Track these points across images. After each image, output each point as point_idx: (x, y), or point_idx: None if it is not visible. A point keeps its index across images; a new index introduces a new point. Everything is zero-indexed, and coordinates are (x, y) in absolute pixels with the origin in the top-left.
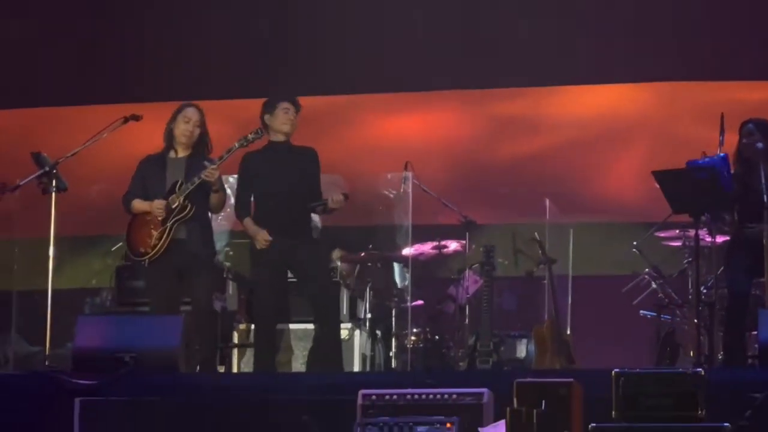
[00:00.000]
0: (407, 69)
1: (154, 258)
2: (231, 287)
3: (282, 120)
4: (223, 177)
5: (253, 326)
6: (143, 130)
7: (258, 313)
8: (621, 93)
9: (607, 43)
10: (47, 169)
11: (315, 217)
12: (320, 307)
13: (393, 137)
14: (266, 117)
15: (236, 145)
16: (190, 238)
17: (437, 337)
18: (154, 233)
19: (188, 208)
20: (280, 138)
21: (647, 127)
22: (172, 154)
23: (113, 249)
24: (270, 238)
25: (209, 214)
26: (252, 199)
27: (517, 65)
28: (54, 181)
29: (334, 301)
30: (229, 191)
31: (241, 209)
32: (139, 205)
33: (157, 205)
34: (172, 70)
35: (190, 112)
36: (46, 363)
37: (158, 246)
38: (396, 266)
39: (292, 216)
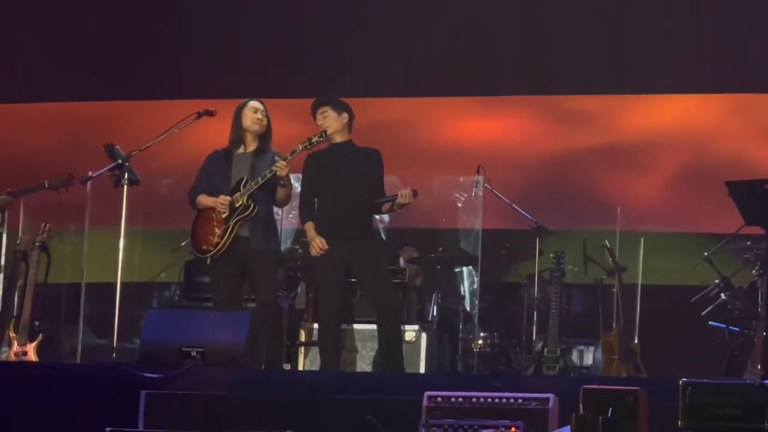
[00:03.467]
0: (481, 73)
1: (217, 255)
2: (300, 285)
3: (319, 122)
4: (291, 175)
5: (316, 325)
6: (217, 126)
7: (320, 314)
8: (695, 103)
9: (682, 52)
10: (120, 161)
11: (385, 217)
12: (379, 309)
13: (466, 141)
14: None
15: (299, 147)
16: (252, 236)
17: (504, 341)
18: (217, 230)
19: (251, 208)
20: (339, 139)
21: (721, 139)
22: (240, 149)
23: (183, 244)
24: (326, 247)
25: (275, 211)
26: (315, 200)
27: (593, 73)
28: (126, 174)
29: (393, 303)
30: (298, 189)
31: (304, 211)
32: (203, 200)
33: (221, 201)
34: (245, 67)
35: (256, 103)
36: (113, 355)
37: (221, 244)
38: (464, 269)
39: (353, 218)
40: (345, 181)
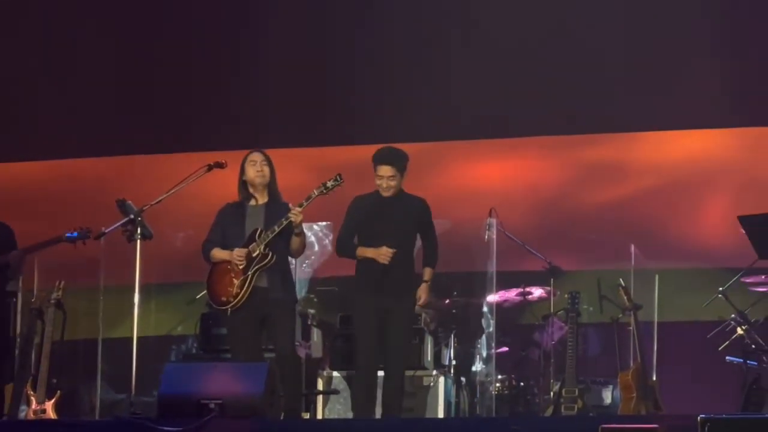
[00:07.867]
0: (491, 115)
1: (237, 306)
2: (315, 334)
3: (378, 184)
4: (304, 224)
5: (336, 373)
6: (227, 178)
7: (357, 362)
8: (707, 138)
9: (693, 88)
10: (132, 216)
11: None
12: (389, 368)
13: (477, 183)
14: None
15: (315, 192)
16: (271, 286)
17: (522, 383)
18: (236, 282)
19: (269, 257)
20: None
21: (734, 173)
22: (252, 201)
23: (198, 297)
24: (393, 250)
25: (290, 260)
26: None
27: (602, 111)
28: (139, 229)
29: (402, 366)
30: (312, 238)
31: (345, 247)
32: (218, 253)
33: (238, 254)
34: (256, 118)
35: (254, 155)
36: (131, 410)
37: (240, 295)
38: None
39: (396, 270)
40: (389, 227)
